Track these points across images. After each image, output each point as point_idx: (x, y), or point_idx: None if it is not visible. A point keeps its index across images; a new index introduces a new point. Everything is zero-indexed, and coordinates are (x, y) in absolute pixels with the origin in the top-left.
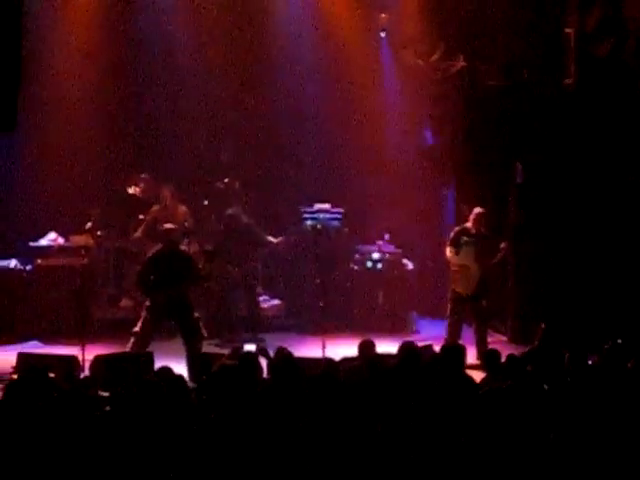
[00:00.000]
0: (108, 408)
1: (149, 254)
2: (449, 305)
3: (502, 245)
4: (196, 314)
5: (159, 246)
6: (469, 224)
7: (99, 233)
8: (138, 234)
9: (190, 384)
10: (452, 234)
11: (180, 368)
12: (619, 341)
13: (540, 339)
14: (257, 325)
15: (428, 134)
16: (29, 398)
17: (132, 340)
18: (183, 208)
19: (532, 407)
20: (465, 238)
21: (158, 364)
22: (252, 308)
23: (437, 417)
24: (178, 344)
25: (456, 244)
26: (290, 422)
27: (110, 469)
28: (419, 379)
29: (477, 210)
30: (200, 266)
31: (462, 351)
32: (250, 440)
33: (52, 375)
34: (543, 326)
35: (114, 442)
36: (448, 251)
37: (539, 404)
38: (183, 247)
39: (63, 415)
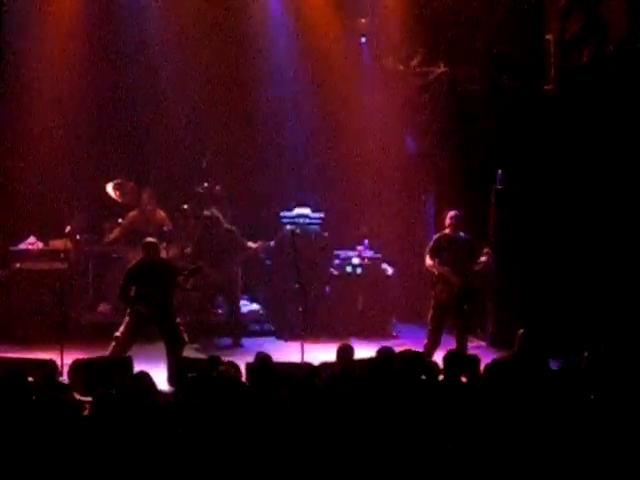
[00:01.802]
0: (87, 413)
1: (129, 266)
2: (430, 311)
3: (485, 250)
4: (177, 319)
5: (139, 258)
6: (447, 230)
7: (78, 237)
8: (114, 235)
9: (169, 388)
10: (431, 242)
11: (160, 372)
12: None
13: (519, 345)
14: (237, 330)
15: (409, 140)
16: (7, 401)
17: (113, 344)
18: (161, 213)
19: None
20: (445, 244)
21: (138, 368)
22: (232, 313)
23: (414, 423)
24: (158, 348)
25: (436, 251)
26: (268, 427)
27: (89, 474)
28: (395, 384)
29: (451, 213)
30: (181, 272)
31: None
32: (228, 445)
33: (30, 379)
34: (522, 332)
35: (93, 447)
36: (427, 259)
37: (518, 408)
38: (162, 253)
39: (42, 419)
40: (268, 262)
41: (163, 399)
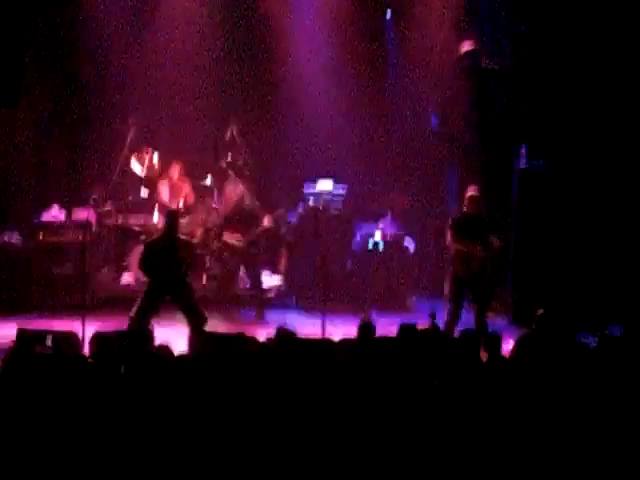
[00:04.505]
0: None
1: (148, 240)
2: (450, 288)
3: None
4: (195, 297)
5: (159, 232)
6: (466, 208)
7: (102, 209)
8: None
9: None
10: (452, 219)
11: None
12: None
13: (537, 323)
14: (259, 303)
15: (434, 116)
16: (30, 367)
17: (129, 323)
18: (188, 186)
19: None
20: (464, 221)
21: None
22: (254, 286)
23: (434, 400)
24: (179, 322)
25: (456, 228)
26: (289, 401)
27: (111, 442)
28: (416, 361)
29: (469, 193)
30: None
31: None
32: (250, 419)
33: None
34: (541, 310)
35: (115, 415)
36: (449, 235)
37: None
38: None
39: (67, 383)
40: (290, 235)
41: (184, 370)
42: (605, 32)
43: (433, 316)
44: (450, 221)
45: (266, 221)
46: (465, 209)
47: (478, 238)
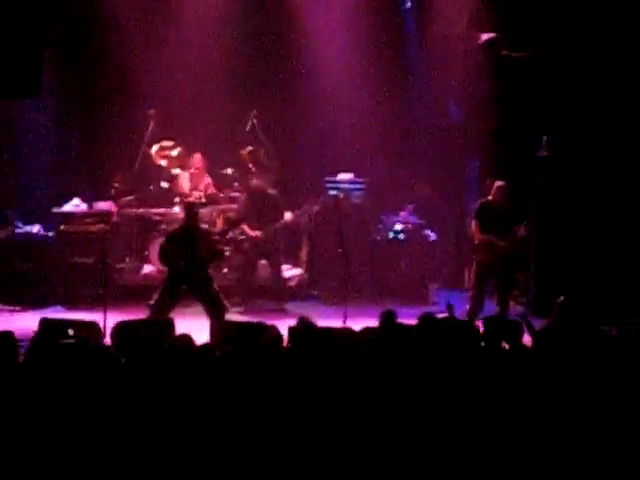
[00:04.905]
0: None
1: (169, 230)
2: (473, 277)
3: (523, 225)
4: (216, 287)
5: (180, 224)
6: (491, 197)
7: (123, 200)
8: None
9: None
10: (476, 207)
11: (202, 337)
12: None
13: (557, 313)
14: (280, 294)
15: (454, 106)
16: (53, 357)
17: (148, 313)
18: (208, 178)
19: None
20: (487, 212)
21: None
22: (275, 276)
23: (457, 387)
24: (199, 313)
25: (480, 217)
26: (310, 392)
27: (133, 431)
28: (437, 351)
29: (498, 183)
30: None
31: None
32: (270, 409)
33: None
34: (560, 300)
35: (137, 404)
36: (473, 224)
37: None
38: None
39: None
40: (310, 227)
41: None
42: (627, 21)
43: (450, 307)
44: (475, 210)
45: (288, 215)
46: (491, 198)
47: (503, 227)
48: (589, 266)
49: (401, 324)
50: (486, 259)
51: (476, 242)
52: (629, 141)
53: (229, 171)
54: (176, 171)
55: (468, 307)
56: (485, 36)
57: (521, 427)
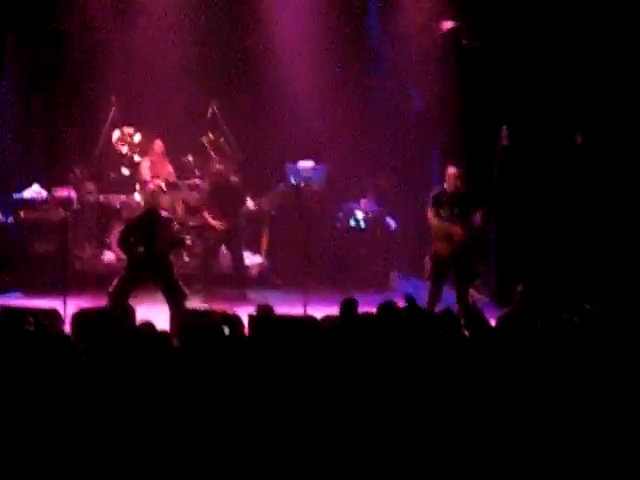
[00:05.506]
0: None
1: (130, 217)
2: (430, 266)
3: (478, 211)
4: (176, 274)
5: (141, 211)
6: (446, 185)
7: (83, 187)
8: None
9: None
10: (431, 196)
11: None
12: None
13: (518, 301)
14: (241, 281)
15: (415, 95)
16: (11, 345)
17: (108, 300)
18: (169, 165)
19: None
20: (444, 199)
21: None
22: (236, 264)
23: (417, 377)
24: (159, 301)
25: (436, 205)
26: (270, 380)
27: (94, 420)
28: (397, 339)
29: (451, 170)
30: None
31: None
32: (231, 397)
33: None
34: (520, 288)
35: (98, 393)
36: (429, 213)
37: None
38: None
39: (49, 361)
40: (271, 214)
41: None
42: (589, 10)
43: (409, 298)
44: (430, 197)
45: (250, 203)
46: (445, 186)
47: (459, 215)
48: (550, 254)
49: (361, 313)
50: (442, 248)
51: (433, 231)
52: (589, 130)
53: (190, 158)
54: (137, 158)
55: (426, 296)
56: (446, 25)
57: (481, 415)
